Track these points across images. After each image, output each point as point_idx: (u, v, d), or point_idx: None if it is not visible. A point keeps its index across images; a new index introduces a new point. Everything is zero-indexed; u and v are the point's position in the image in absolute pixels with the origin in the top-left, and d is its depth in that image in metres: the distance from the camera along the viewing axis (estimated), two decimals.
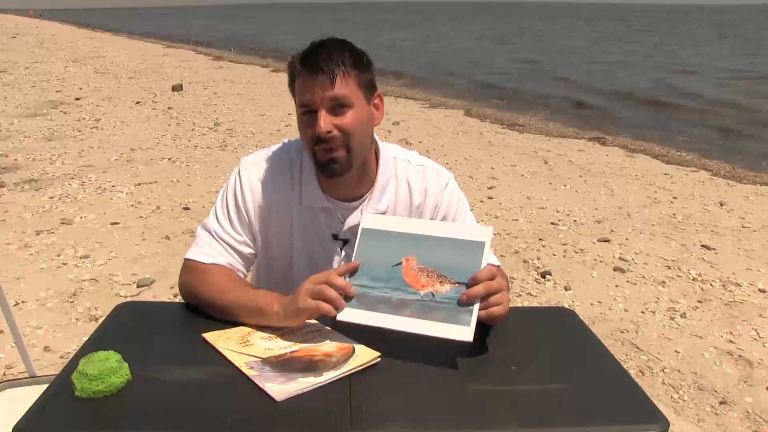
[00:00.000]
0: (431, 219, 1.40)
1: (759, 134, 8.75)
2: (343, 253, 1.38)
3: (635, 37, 33.06)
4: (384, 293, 1.14)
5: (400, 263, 1.15)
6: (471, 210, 1.47)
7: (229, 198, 1.35)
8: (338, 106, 1.23)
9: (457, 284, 1.12)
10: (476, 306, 1.11)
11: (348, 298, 1.15)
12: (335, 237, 1.38)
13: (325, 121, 1.21)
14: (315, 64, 1.22)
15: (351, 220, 1.35)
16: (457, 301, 1.11)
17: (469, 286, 1.12)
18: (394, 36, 32.11)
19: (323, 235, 1.38)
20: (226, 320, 1.21)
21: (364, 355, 1.08)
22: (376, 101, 1.33)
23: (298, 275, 1.40)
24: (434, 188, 1.40)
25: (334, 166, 1.25)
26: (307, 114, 1.25)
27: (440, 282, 1.13)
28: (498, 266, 1.37)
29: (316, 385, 1.00)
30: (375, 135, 1.38)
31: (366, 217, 1.24)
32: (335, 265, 1.39)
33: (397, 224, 1.22)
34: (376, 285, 1.15)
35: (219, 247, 1.33)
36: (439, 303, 1.12)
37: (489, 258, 1.39)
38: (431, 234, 1.17)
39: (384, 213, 1.37)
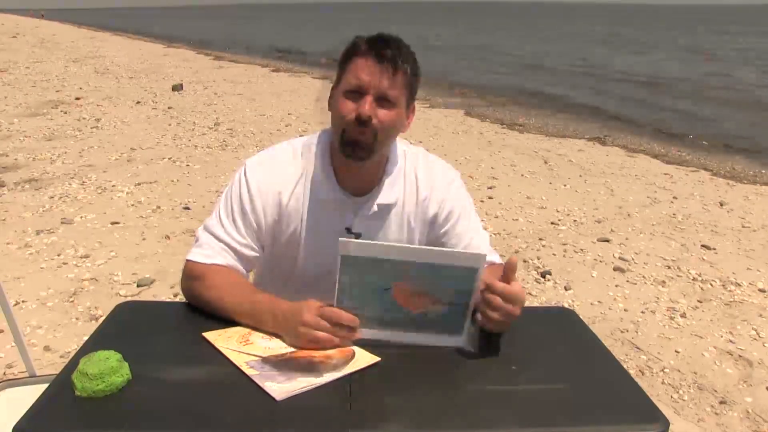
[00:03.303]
0: (436, 214, 1.40)
1: None
2: None
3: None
4: (376, 314, 1.12)
5: (390, 288, 1.10)
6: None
7: (233, 200, 1.33)
8: (385, 101, 1.25)
9: (449, 304, 1.12)
10: (468, 317, 1.13)
11: None
12: (349, 230, 1.37)
13: (371, 106, 1.23)
14: (385, 52, 1.23)
15: (364, 212, 1.36)
16: (449, 315, 1.12)
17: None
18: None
19: (336, 229, 1.36)
20: (228, 320, 1.21)
21: (364, 359, 1.08)
22: (410, 110, 1.35)
23: (303, 272, 1.40)
24: (441, 184, 1.41)
25: (357, 148, 1.26)
26: (353, 93, 1.25)
27: (432, 303, 1.12)
28: (500, 264, 1.38)
29: (316, 385, 1.00)
30: None
31: (342, 243, 1.07)
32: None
33: (379, 251, 1.09)
34: (368, 307, 1.12)
35: (220, 249, 1.32)
36: (432, 319, 1.13)
37: (491, 257, 1.40)
38: (419, 261, 1.08)
39: (393, 204, 1.37)
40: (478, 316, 1.14)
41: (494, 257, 1.41)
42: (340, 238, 1.09)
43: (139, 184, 5.31)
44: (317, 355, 1.08)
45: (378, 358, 1.08)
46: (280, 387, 0.98)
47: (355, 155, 1.27)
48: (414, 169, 1.40)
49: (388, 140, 1.30)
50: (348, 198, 1.35)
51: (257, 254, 1.36)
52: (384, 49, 1.23)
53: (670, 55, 21.91)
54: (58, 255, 3.78)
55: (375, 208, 1.36)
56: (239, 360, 1.06)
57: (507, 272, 1.13)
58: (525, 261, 3.90)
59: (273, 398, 0.96)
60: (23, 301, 3.18)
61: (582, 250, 4.09)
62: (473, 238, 1.41)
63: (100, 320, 1.28)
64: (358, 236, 1.37)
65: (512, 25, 51.86)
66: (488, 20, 65.36)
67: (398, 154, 1.40)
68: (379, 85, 1.23)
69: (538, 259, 3.93)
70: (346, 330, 1.11)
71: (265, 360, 1.07)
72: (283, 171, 1.35)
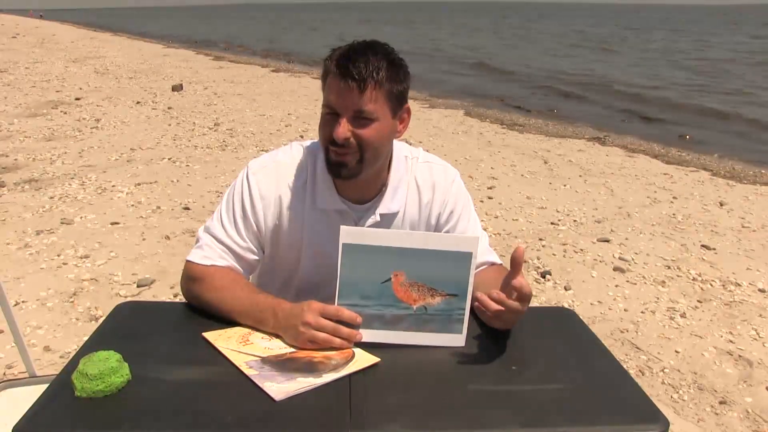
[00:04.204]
0: (439, 214, 1.40)
1: None
2: None
3: None
4: (377, 311, 1.14)
5: (389, 279, 1.13)
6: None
7: (235, 202, 1.33)
8: (362, 118, 1.21)
9: (447, 296, 1.14)
10: (467, 314, 1.14)
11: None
12: None
13: (344, 129, 1.20)
14: (348, 69, 1.18)
15: (364, 222, 1.35)
16: (448, 311, 1.14)
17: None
18: (392, 35, 32.10)
19: (336, 238, 1.37)
20: (228, 320, 1.21)
21: (364, 360, 1.08)
22: (403, 115, 1.30)
23: (303, 277, 1.40)
24: (441, 183, 1.40)
25: (342, 169, 1.25)
26: (330, 115, 1.23)
27: (431, 295, 1.14)
28: (500, 264, 1.38)
29: (316, 386, 1.00)
30: None
31: (344, 230, 1.12)
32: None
33: (379, 237, 1.13)
34: (368, 303, 1.13)
35: (220, 251, 1.31)
36: (432, 315, 1.14)
37: (490, 257, 1.40)
38: (417, 247, 1.12)
39: (396, 213, 1.36)
40: (483, 314, 1.15)
41: (493, 258, 1.41)
42: (341, 226, 1.12)
43: (139, 184, 5.31)
44: (317, 355, 1.09)
45: (378, 359, 1.08)
46: (280, 387, 0.98)
47: (341, 176, 1.26)
48: (415, 175, 1.39)
49: (376, 156, 1.27)
50: (349, 207, 1.34)
51: (257, 257, 1.36)
52: (348, 65, 1.18)
53: (668, 57, 21.90)
54: (58, 255, 3.78)
55: (377, 217, 1.35)
56: (239, 360, 1.06)
57: (514, 265, 1.10)
58: (525, 261, 3.88)
59: (272, 398, 0.96)
60: (23, 302, 3.18)
61: (582, 250, 4.09)
62: None
63: (100, 320, 1.27)
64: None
65: (509, 26, 51.88)
66: (484, 21, 65.38)
67: (400, 161, 1.38)
68: (351, 105, 1.19)
69: (538, 259, 3.93)
70: (347, 330, 1.11)
71: (265, 360, 1.07)
72: (285, 176, 1.33)
